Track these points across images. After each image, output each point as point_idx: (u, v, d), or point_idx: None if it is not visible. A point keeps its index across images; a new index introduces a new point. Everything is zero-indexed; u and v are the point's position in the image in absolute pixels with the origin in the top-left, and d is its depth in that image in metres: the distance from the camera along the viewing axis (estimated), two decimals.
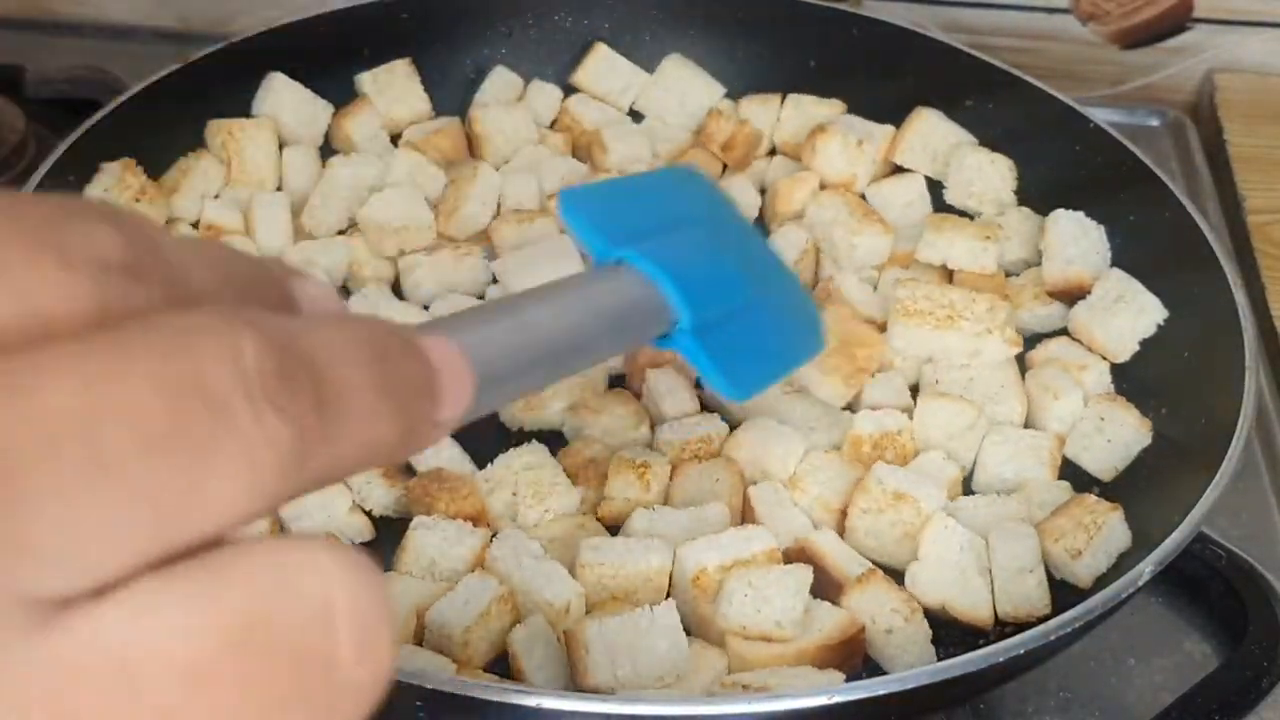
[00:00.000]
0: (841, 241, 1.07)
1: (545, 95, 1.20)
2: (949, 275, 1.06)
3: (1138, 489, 0.92)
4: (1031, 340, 1.03)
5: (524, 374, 0.44)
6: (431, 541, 0.85)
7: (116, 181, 1.02)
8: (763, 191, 1.16)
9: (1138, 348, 1.00)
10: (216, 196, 1.09)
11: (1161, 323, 0.99)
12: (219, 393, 0.27)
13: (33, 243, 0.28)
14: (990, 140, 1.14)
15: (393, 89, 1.17)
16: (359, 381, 0.30)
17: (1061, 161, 1.10)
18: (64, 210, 0.29)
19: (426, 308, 1.03)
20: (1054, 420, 0.96)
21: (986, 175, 1.11)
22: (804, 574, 0.82)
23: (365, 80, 1.17)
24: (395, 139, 1.16)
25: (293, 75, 1.13)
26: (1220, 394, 0.89)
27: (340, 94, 1.16)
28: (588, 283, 0.55)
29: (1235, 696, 0.83)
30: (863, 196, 1.13)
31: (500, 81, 1.20)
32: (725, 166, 1.18)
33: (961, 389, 0.96)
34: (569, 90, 1.21)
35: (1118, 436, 0.94)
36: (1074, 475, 0.94)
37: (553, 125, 1.21)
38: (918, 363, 0.99)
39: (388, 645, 0.29)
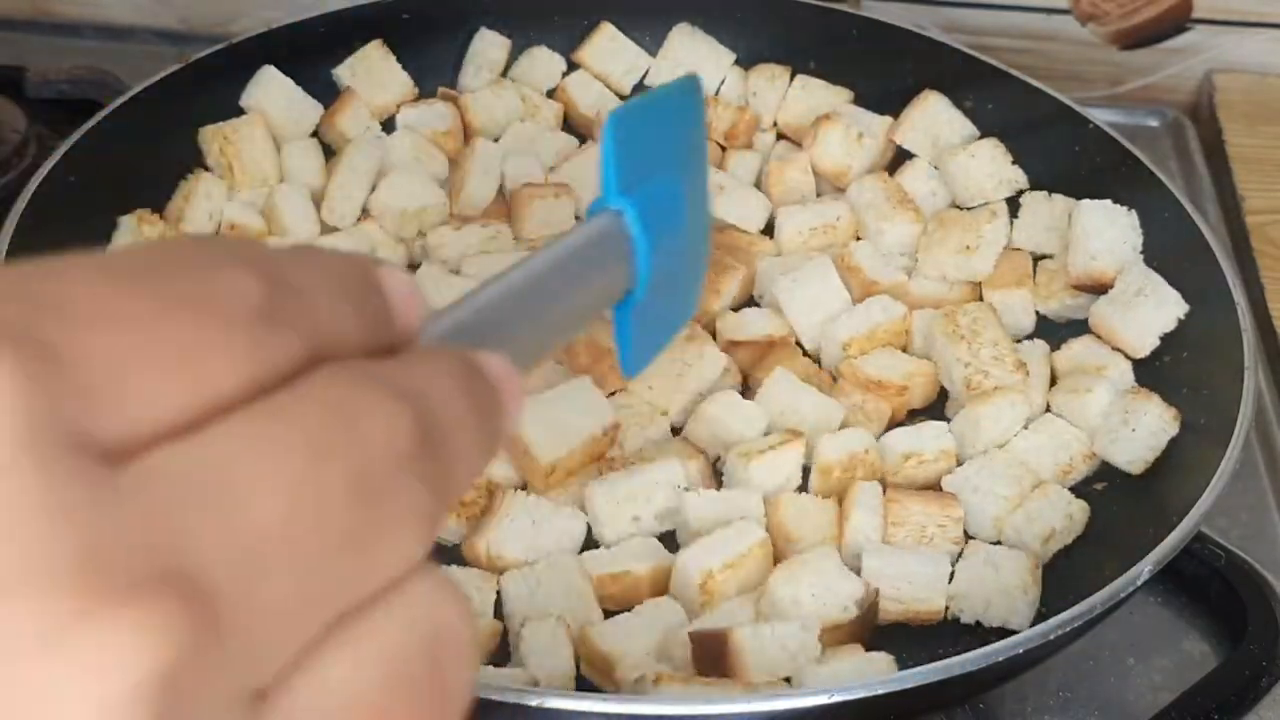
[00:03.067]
0: (872, 226, 1.08)
1: (547, 64, 1.21)
2: (977, 289, 1.06)
3: (1137, 488, 0.92)
4: (1061, 330, 1.03)
5: (538, 353, 0.45)
6: None
7: (134, 236, 1.00)
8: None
9: (1158, 342, 0.98)
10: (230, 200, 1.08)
11: (1182, 316, 0.98)
12: (384, 480, 0.30)
13: (193, 309, 0.28)
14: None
15: (372, 75, 1.16)
16: (468, 429, 0.33)
17: (1061, 162, 1.10)
18: (207, 257, 0.30)
19: (456, 272, 1.03)
20: (1084, 418, 0.95)
21: (970, 171, 1.11)
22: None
23: (343, 73, 1.16)
24: (386, 126, 1.16)
25: (292, 75, 1.13)
26: (1219, 394, 0.90)
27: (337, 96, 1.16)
28: (586, 248, 0.53)
29: (1234, 696, 0.83)
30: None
31: (487, 45, 1.20)
32: (724, 149, 1.18)
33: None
34: (570, 67, 1.22)
35: (1144, 427, 0.92)
36: (1104, 471, 0.94)
37: (551, 94, 1.21)
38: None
39: (474, 654, 0.33)
